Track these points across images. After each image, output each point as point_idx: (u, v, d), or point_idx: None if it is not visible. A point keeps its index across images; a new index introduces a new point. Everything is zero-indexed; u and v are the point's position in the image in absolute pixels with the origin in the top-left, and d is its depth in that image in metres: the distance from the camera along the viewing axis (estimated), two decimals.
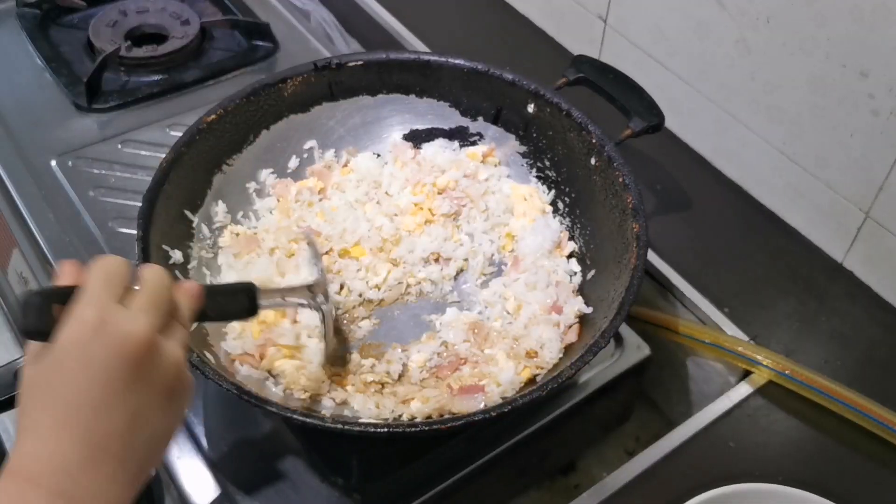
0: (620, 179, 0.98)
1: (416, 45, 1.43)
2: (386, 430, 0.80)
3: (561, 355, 0.94)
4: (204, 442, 0.92)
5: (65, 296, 0.53)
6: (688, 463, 0.93)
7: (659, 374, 1.14)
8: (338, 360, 0.95)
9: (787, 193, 1.15)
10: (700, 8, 1.13)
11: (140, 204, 0.93)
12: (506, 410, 0.81)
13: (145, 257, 0.87)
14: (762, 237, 1.16)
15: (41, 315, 0.52)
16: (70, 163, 1.20)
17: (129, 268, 0.57)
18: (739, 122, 1.16)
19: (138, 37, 1.39)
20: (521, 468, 1.02)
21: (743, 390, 1.00)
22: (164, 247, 0.94)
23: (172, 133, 1.25)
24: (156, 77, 1.34)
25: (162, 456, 0.55)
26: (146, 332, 0.52)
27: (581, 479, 1.11)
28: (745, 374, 1.02)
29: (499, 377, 0.92)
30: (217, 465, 0.90)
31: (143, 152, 1.22)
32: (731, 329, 1.05)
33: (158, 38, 1.39)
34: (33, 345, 0.53)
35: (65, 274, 0.57)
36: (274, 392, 0.91)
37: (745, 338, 1.04)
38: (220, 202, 1.04)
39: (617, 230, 0.98)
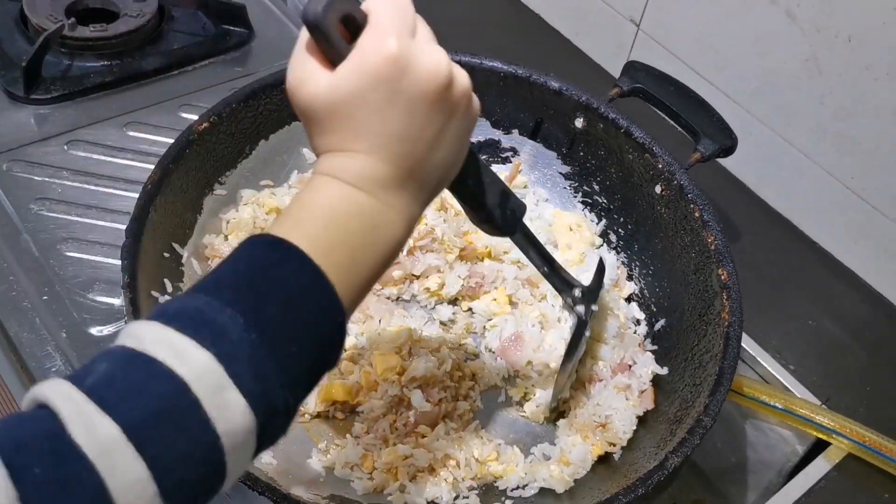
0: (697, 214, 0.83)
1: None
2: None
3: (635, 427, 0.79)
4: None
5: (348, 16, 0.51)
6: None
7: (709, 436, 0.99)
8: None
9: (848, 233, 1.02)
10: (764, 19, 0.99)
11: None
12: None
13: (134, 309, 0.67)
14: (815, 281, 1.03)
15: (326, 15, 0.49)
16: (4, 166, 0.98)
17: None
18: (796, 149, 1.03)
19: (81, 12, 1.16)
20: None
21: (820, 467, 0.87)
22: (154, 293, 0.74)
23: (130, 133, 1.04)
24: (105, 63, 1.12)
25: (451, 177, 0.57)
26: (448, 69, 0.52)
27: None
28: (817, 444, 0.89)
29: (567, 454, 0.76)
30: None
31: (96, 156, 1.00)
32: (799, 390, 0.92)
33: (107, 14, 1.17)
34: (317, 72, 0.51)
35: None
36: None
37: (815, 401, 0.91)
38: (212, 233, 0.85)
39: (694, 275, 0.84)
